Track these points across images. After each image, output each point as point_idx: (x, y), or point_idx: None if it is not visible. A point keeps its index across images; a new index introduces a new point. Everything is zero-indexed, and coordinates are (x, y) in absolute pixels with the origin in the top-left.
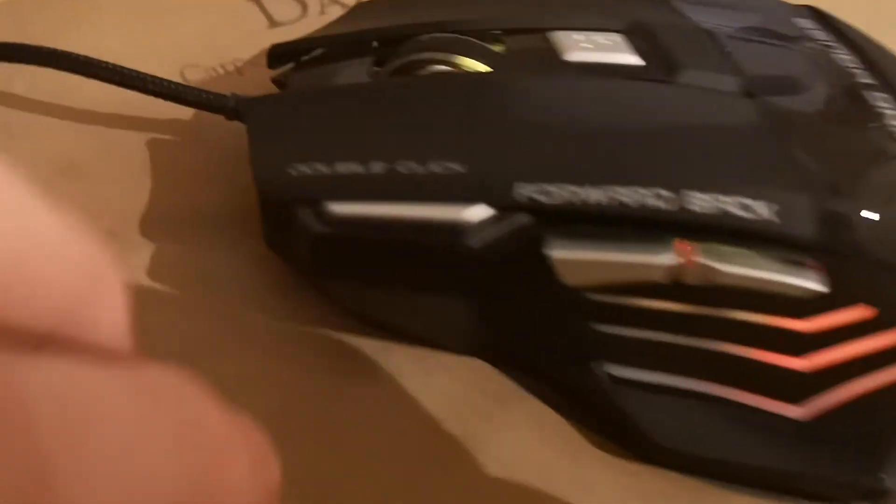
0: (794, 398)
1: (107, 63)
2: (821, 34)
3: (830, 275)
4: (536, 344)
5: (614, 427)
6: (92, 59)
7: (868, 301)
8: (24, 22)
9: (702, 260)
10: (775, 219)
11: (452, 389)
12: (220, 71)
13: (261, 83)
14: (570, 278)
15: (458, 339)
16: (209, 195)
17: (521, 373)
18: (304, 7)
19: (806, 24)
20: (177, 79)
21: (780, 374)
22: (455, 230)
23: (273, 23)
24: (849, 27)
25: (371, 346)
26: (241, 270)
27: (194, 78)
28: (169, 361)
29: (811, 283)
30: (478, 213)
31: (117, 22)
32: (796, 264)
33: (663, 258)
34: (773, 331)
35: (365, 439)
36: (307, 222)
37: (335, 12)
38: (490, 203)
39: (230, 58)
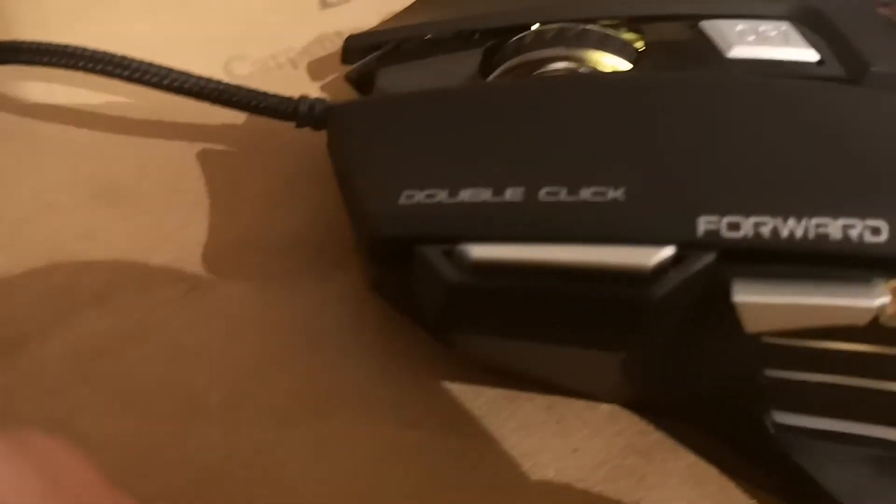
0: None
1: (146, 63)
2: None
3: None
4: (701, 390)
5: (787, 481)
6: (126, 60)
7: None
8: (42, 3)
9: None
10: None
11: (593, 444)
12: (272, 63)
13: (322, 76)
14: (754, 324)
15: (604, 388)
16: (281, 219)
17: (676, 421)
18: None
19: None
20: (222, 74)
21: None
22: (632, 278)
23: (325, 2)
24: None
25: (496, 398)
26: (334, 314)
27: (242, 72)
28: (254, 428)
29: None
30: (659, 255)
31: (147, 3)
32: None
33: (870, 301)
34: None
35: None
36: (438, 268)
37: None
38: (669, 241)
39: (281, 46)
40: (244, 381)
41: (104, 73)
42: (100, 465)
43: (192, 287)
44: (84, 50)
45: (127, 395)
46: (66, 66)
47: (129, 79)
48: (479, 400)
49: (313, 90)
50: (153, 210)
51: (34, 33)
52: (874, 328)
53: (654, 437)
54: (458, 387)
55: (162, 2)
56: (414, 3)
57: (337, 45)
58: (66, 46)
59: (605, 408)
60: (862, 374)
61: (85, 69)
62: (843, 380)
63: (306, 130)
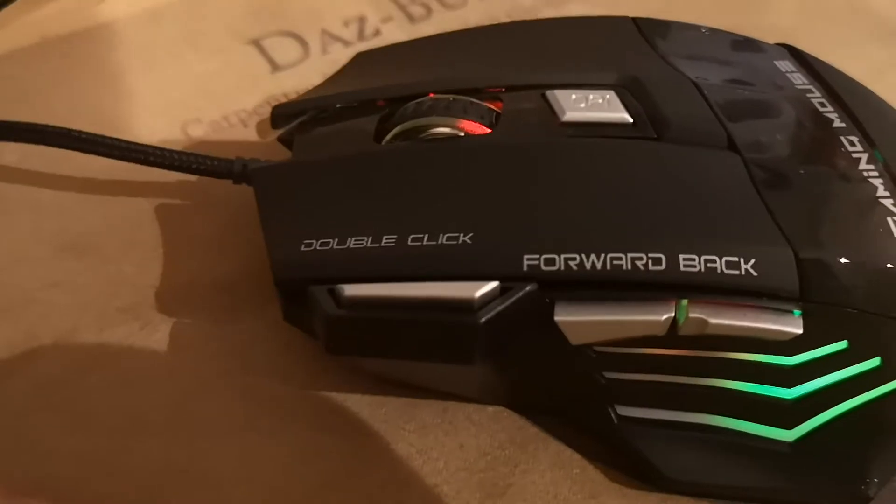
0: (784, 424)
1: (105, 137)
2: (799, 77)
3: (810, 318)
4: (553, 392)
5: (629, 463)
6: (86, 134)
7: (843, 337)
8: (13, 78)
9: (693, 315)
10: (755, 273)
11: (478, 440)
12: (224, 124)
13: (267, 134)
14: (577, 338)
15: (481, 394)
16: (224, 263)
17: (546, 418)
18: (306, 47)
19: (786, 66)
20: (179, 135)
21: (771, 404)
22: (463, 307)
23: (275, 66)
24: (824, 66)
25: (399, 405)
26: (266, 340)
27: (197, 134)
28: (191, 440)
29: (792, 328)
30: (483, 289)
31: (112, 75)
32: (779, 312)
33: (659, 316)
34: (762, 366)
35: (400, 496)
36: (323, 304)
37: (337, 50)
38: (498, 276)
39: (233, 108)
40: (184, 401)
41: (65, 146)
42: (60, 475)
43: (144, 325)
44: (46, 127)
45: (83, 417)
46: (33, 141)
47: (85, 150)
48: (384, 408)
49: (260, 147)
50: (113, 260)
51: (16, 106)
52: (675, 337)
53: (530, 431)
54: (366, 398)
55: (124, 74)
56: (338, 72)
57: None
58: (33, 125)
59: (491, 409)
60: (679, 372)
61: (49, 143)
62: (664, 378)
63: (244, 185)
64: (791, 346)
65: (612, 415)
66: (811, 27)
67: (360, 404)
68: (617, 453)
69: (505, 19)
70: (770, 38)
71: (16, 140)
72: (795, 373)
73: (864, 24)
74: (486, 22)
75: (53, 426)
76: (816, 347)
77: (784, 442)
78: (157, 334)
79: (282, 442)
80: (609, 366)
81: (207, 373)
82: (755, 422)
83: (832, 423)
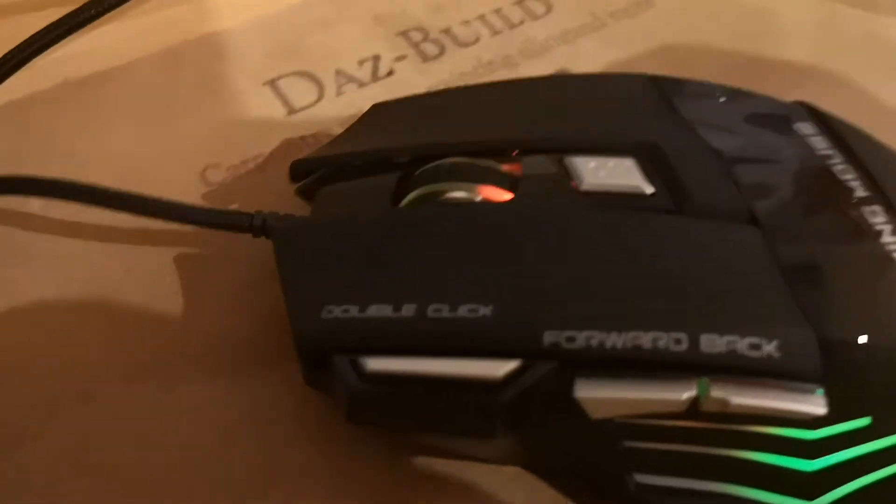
0: (805, 495)
1: (125, 193)
2: (820, 141)
3: (833, 397)
4: (570, 459)
5: None
6: (108, 191)
7: (866, 413)
8: (33, 123)
9: (715, 394)
10: (777, 355)
11: (496, 502)
12: (243, 170)
13: (285, 180)
14: (597, 413)
15: (503, 457)
16: (243, 317)
17: (563, 484)
18: (321, 88)
19: (806, 129)
20: (199, 182)
21: (792, 475)
22: (486, 386)
23: (291, 109)
24: (844, 126)
25: (417, 466)
26: (286, 400)
27: (216, 180)
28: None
29: (815, 408)
30: (506, 367)
31: (132, 119)
32: (802, 391)
33: (680, 394)
34: (783, 439)
35: None
36: (345, 376)
37: (351, 91)
38: (519, 354)
39: (252, 153)
40: (205, 464)
41: (87, 202)
42: None
43: (163, 383)
44: (71, 183)
45: (107, 481)
46: (56, 197)
47: (108, 206)
48: (402, 471)
49: (277, 193)
50: (134, 315)
51: (40, 156)
52: (697, 412)
53: (547, 493)
54: (384, 460)
55: (144, 122)
56: (354, 125)
57: (301, 149)
58: (57, 181)
59: (508, 470)
60: (699, 443)
61: (72, 199)
62: (686, 447)
63: (263, 238)
64: (813, 422)
65: (631, 483)
66: (828, 60)
67: (378, 467)
68: None
69: (518, 56)
70: (787, 74)
71: (42, 195)
72: (817, 446)
73: (882, 56)
74: (499, 59)
75: (76, 493)
76: (839, 423)
77: None
78: (176, 393)
79: None
80: (628, 435)
81: (228, 434)
82: (775, 492)
83: (855, 495)
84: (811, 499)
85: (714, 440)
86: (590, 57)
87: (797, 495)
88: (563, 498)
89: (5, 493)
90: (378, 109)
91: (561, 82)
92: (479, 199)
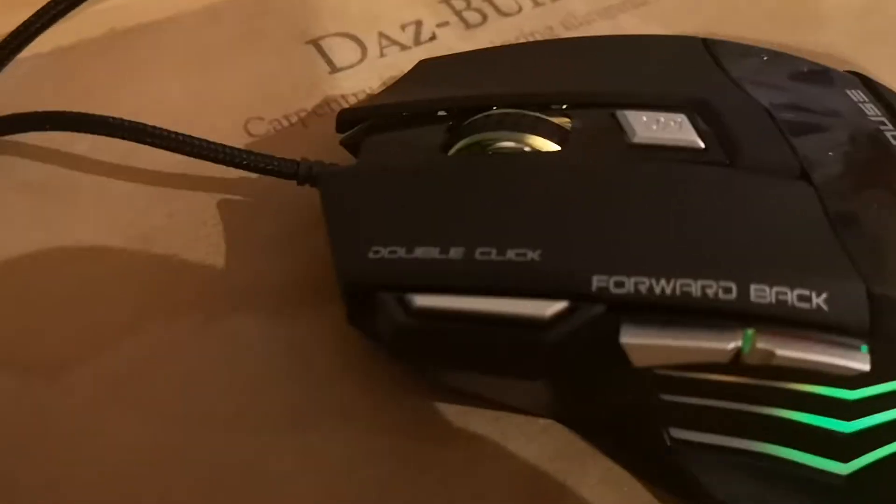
0: (840, 457)
1: (174, 133)
2: (871, 108)
3: (877, 354)
4: (608, 410)
5: (680, 485)
6: (158, 130)
7: None
8: (79, 70)
9: (760, 345)
10: (826, 307)
11: (528, 451)
12: (285, 123)
13: (328, 136)
14: (640, 361)
15: (537, 406)
16: (286, 262)
17: (597, 436)
18: (364, 49)
19: (858, 96)
20: (242, 133)
21: (828, 436)
22: (533, 325)
23: (334, 67)
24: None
25: (453, 412)
26: (327, 340)
27: (259, 132)
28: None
29: (859, 364)
30: (554, 307)
31: (176, 70)
32: (846, 347)
33: (726, 344)
34: (821, 398)
35: (451, 500)
36: (391, 311)
37: (393, 53)
38: (567, 296)
39: (294, 108)
40: (248, 398)
41: (136, 139)
42: (126, 468)
43: (208, 318)
44: (122, 121)
45: (149, 412)
46: (105, 134)
47: (156, 145)
48: (437, 413)
49: (319, 147)
50: (178, 255)
51: (84, 102)
52: (739, 364)
53: (580, 445)
54: (421, 402)
55: (188, 74)
56: (398, 81)
57: (344, 106)
58: (109, 118)
59: (542, 422)
60: (738, 399)
61: (121, 136)
62: (724, 403)
63: (307, 186)
64: (854, 380)
65: (666, 437)
66: (871, 47)
67: (415, 408)
68: (668, 475)
69: (559, 28)
70: (829, 61)
71: (92, 132)
72: (856, 407)
73: None
74: (541, 30)
75: (120, 420)
76: (880, 383)
77: (838, 475)
78: (220, 329)
79: (340, 441)
80: (668, 388)
81: (270, 370)
82: (810, 453)
83: (889, 460)
84: (846, 461)
85: (752, 397)
86: (629, 32)
87: (832, 456)
88: (595, 451)
89: (49, 417)
90: (425, 65)
91: (611, 41)
92: (527, 150)
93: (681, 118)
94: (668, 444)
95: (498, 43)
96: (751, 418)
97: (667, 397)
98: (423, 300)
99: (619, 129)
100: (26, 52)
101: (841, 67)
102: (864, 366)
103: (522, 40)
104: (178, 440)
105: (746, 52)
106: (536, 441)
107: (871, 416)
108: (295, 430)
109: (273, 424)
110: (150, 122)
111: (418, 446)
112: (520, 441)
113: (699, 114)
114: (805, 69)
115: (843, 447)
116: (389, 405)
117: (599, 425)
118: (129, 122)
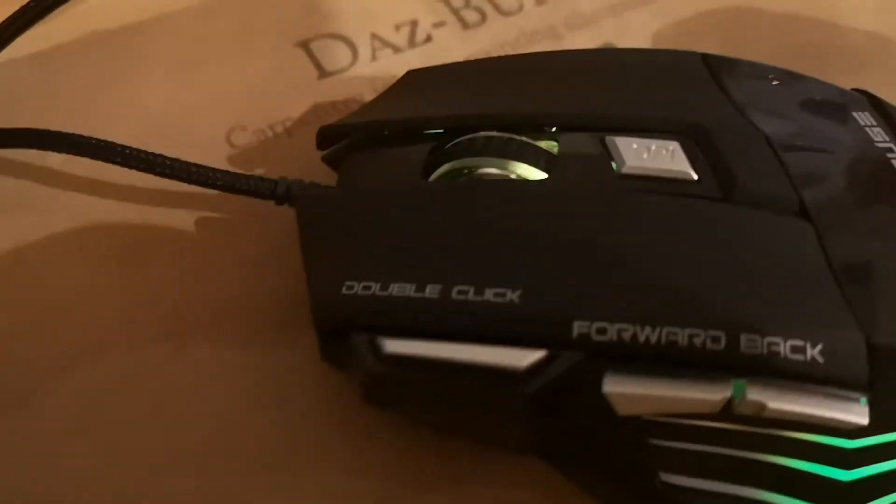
0: None
1: (148, 154)
2: (879, 133)
3: (876, 406)
4: (594, 453)
5: None
6: (130, 150)
7: None
8: (59, 74)
9: (751, 397)
10: (822, 360)
11: (513, 494)
12: (269, 133)
13: (311, 147)
14: (625, 410)
15: (523, 445)
16: (262, 283)
17: (584, 477)
18: (355, 52)
19: (865, 119)
20: (223, 145)
21: (827, 485)
22: (509, 376)
23: (323, 72)
24: None
25: (435, 452)
26: (302, 372)
27: (241, 143)
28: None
29: (857, 418)
30: (530, 357)
31: (158, 76)
32: (844, 399)
33: (715, 395)
34: (820, 447)
35: None
36: (363, 355)
37: (386, 56)
38: (545, 342)
39: (279, 117)
40: (219, 434)
41: (108, 160)
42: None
43: (180, 346)
44: (89, 140)
45: (116, 446)
46: (74, 153)
47: (131, 166)
48: (416, 452)
49: (302, 160)
50: (153, 275)
51: (64, 108)
52: (730, 414)
53: (566, 487)
54: (399, 440)
55: (170, 79)
56: (385, 92)
57: (331, 115)
58: (77, 136)
59: (528, 463)
60: (731, 446)
61: (90, 156)
62: (716, 449)
63: (286, 206)
64: (854, 431)
65: (656, 481)
66: (890, 46)
67: (392, 447)
68: None
69: (562, 28)
70: (846, 60)
71: (57, 150)
72: (856, 456)
73: None
74: (543, 29)
75: (87, 454)
76: (881, 434)
77: None
78: (193, 357)
79: (313, 482)
80: (657, 434)
81: (242, 404)
82: (808, 501)
83: None
84: None
85: (746, 443)
86: (637, 32)
87: None
88: (582, 494)
89: (15, 449)
90: (413, 76)
91: (606, 56)
92: (513, 176)
93: (673, 146)
94: (658, 489)
95: (497, 45)
96: (745, 464)
97: (656, 442)
98: (393, 345)
99: (609, 157)
100: (2, 57)
101: (858, 67)
102: (862, 420)
103: (523, 41)
104: (143, 475)
105: (748, 70)
106: (521, 482)
107: (873, 466)
108: (266, 469)
109: (243, 462)
110: (129, 131)
111: (398, 490)
112: (503, 482)
113: (694, 140)
114: (810, 91)
115: (843, 496)
116: (368, 444)
117: (586, 467)
118: (101, 141)
